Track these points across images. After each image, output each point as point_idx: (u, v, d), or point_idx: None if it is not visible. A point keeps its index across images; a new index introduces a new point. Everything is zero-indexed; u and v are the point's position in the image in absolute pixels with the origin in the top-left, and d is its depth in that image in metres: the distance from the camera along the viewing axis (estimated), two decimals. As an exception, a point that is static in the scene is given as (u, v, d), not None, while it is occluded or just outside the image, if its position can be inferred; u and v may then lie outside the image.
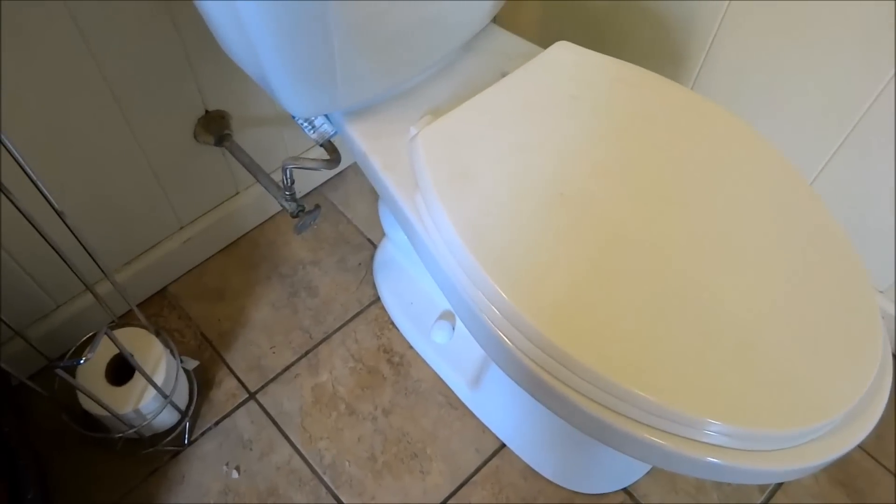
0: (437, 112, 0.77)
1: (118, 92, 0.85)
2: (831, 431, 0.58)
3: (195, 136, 0.98)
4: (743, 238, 0.65)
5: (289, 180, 0.87)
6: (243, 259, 1.18)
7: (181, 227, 1.09)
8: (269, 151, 1.11)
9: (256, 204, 1.17)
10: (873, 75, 0.83)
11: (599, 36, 1.13)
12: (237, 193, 1.14)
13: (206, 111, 0.97)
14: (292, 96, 0.71)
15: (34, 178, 0.64)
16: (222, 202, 1.12)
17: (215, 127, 0.97)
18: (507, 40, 0.86)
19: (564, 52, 0.78)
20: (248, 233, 1.21)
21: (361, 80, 0.73)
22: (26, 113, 0.78)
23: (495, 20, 0.87)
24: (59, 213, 0.68)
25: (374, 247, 1.20)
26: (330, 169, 0.83)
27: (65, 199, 0.88)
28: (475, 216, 0.65)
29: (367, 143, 0.75)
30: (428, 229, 0.68)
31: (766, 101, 0.96)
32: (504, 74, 0.79)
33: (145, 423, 0.88)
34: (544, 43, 0.83)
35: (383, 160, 0.74)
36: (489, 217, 0.65)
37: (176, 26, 0.84)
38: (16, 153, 0.61)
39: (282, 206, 0.93)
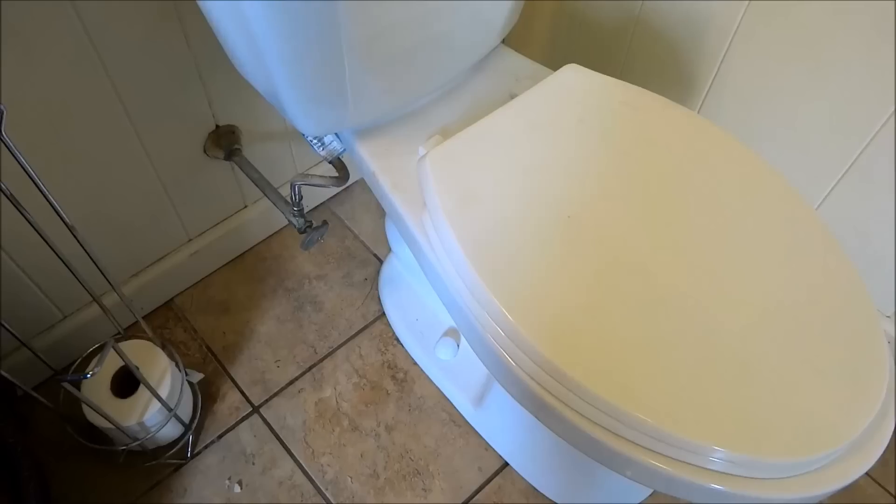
0: (446, 132, 0.77)
1: (129, 106, 0.86)
2: (838, 459, 0.58)
3: (205, 151, 0.98)
4: (746, 262, 0.65)
5: (297, 197, 0.88)
6: (249, 272, 1.18)
7: (189, 240, 1.10)
8: (278, 166, 1.12)
9: (263, 217, 1.18)
10: (880, 101, 0.83)
11: (608, 57, 1.13)
12: (245, 207, 1.14)
13: (217, 126, 0.97)
14: (303, 115, 0.71)
15: (46, 192, 0.64)
16: (230, 215, 1.13)
17: (225, 141, 0.98)
18: (516, 62, 0.86)
19: (573, 75, 0.78)
20: (254, 246, 1.21)
21: (371, 100, 0.74)
22: (36, 124, 0.79)
23: (505, 41, 0.88)
24: (70, 228, 0.69)
25: (380, 262, 1.20)
26: (338, 186, 0.84)
27: (73, 209, 0.88)
28: (482, 237, 0.65)
29: (375, 161, 0.76)
30: (434, 248, 0.69)
31: (772, 125, 0.97)
32: (513, 96, 0.79)
33: (149, 435, 0.88)
34: (553, 64, 0.84)
35: (391, 179, 0.74)
36: (495, 238, 0.65)
37: (188, 42, 0.85)
38: (27, 165, 0.61)
39: (289, 221, 0.94)
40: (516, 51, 0.89)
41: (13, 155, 0.59)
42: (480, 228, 0.66)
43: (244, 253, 1.20)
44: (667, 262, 0.65)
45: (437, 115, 0.80)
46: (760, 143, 0.99)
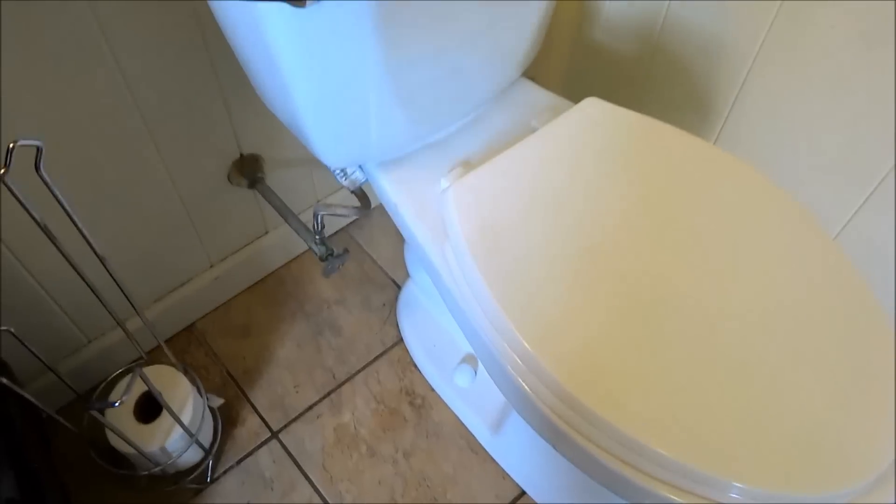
0: (467, 163, 0.79)
1: (156, 135, 0.88)
2: (860, 494, 0.58)
3: (229, 179, 1.00)
4: (766, 293, 0.66)
5: (319, 225, 0.90)
6: (270, 296, 1.20)
7: (211, 265, 1.12)
8: (300, 192, 1.13)
9: (284, 242, 1.20)
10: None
11: (626, 86, 1.15)
12: (267, 233, 1.16)
13: (241, 155, 0.99)
14: (327, 148, 0.73)
15: (81, 227, 0.66)
16: (252, 241, 1.15)
17: (249, 170, 1.00)
18: (536, 94, 0.88)
19: (593, 109, 0.79)
20: (275, 270, 1.23)
21: (395, 132, 0.75)
22: (64, 150, 0.81)
23: (525, 73, 0.90)
24: (101, 259, 0.70)
25: (399, 287, 1.21)
26: (360, 215, 0.85)
27: (99, 235, 0.90)
28: (503, 268, 0.66)
29: (397, 192, 0.77)
30: (455, 278, 0.70)
31: (792, 153, 0.97)
32: (533, 128, 0.81)
33: (171, 461, 0.89)
34: (572, 94, 0.85)
35: (413, 210, 0.75)
36: (517, 269, 0.66)
37: (215, 72, 0.87)
38: (64, 203, 0.63)
39: (311, 248, 0.95)
40: (535, 81, 0.90)
41: (52, 192, 0.61)
42: (502, 260, 0.67)
43: (265, 277, 1.22)
44: (685, 292, 0.65)
45: (459, 147, 0.81)
46: (780, 170, 0.99)
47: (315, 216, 0.88)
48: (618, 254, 0.68)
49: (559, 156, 0.76)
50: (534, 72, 1.22)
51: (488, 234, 0.68)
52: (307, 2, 0.53)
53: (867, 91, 0.84)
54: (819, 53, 0.86)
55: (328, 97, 0.66)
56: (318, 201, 1.18)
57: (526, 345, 0.62)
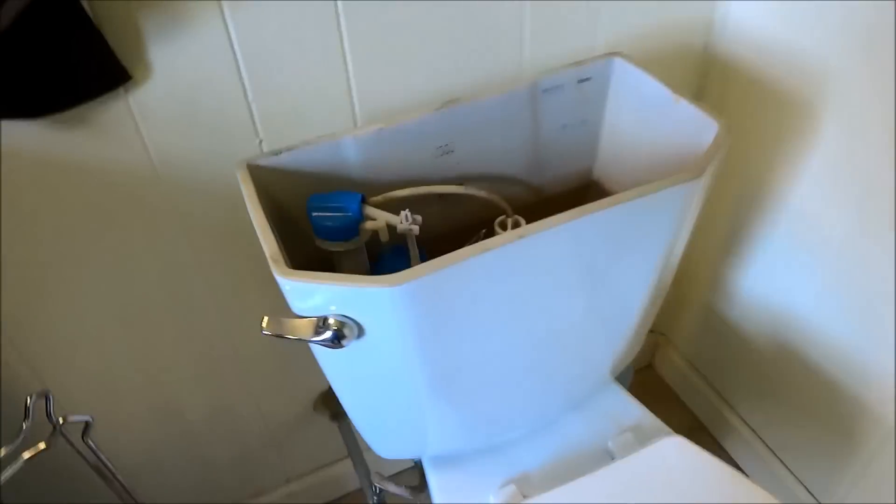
0: (524, 481, 0.72)
1: (249, 378, 0.92)
2: None
3: (314, 408, 1.01)
4: None
5: (375, 494, 0.86)
6: (339, 520, 1.16)
7: (287, 481, 1.11)
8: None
9: (365, 466, 1.17)
10: None
11: (752, 373, 1.03)
12: (347, 457, 1.14)
13: (329, 388, 1.00)
14: (378, 445, 0.71)
15: (124, 483, 0.68)
16: (331, 463, 1.13)
17: (333, 403, 1.00)
18: (620, 404, 0.79)
19: (675, 451, 0.71)
20: (349, 493, 1.20)
21: (450, 435, 0.72)
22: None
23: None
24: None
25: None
26: (414, 499, 0.81)
27: (171, 445, 0.93)
28: None
29: (444, 497, 0.72)
30: None
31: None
32: (608, 451, 0.73)
33: None
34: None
35: (455, 525, 0.70)
36: None
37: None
38: (113, 470, 0.65)
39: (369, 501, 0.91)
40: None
41: (99, 458, 0.63)
42: None
43: (337, 499, 1.19)
44: None
45: (520, 456, 0.75)
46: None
47: (371, 486, 0.84)
48: None
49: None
50: (662, 328, 1.14)
51: None
52: (344, 344, 0.53)
53: None
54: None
55: (374, 407, 0.65)
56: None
57: None
